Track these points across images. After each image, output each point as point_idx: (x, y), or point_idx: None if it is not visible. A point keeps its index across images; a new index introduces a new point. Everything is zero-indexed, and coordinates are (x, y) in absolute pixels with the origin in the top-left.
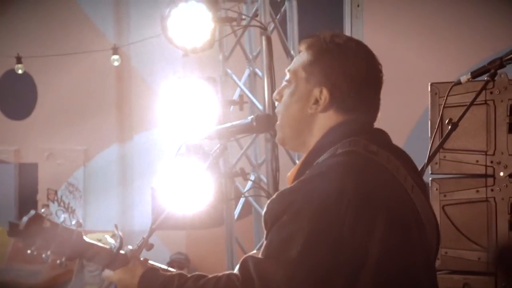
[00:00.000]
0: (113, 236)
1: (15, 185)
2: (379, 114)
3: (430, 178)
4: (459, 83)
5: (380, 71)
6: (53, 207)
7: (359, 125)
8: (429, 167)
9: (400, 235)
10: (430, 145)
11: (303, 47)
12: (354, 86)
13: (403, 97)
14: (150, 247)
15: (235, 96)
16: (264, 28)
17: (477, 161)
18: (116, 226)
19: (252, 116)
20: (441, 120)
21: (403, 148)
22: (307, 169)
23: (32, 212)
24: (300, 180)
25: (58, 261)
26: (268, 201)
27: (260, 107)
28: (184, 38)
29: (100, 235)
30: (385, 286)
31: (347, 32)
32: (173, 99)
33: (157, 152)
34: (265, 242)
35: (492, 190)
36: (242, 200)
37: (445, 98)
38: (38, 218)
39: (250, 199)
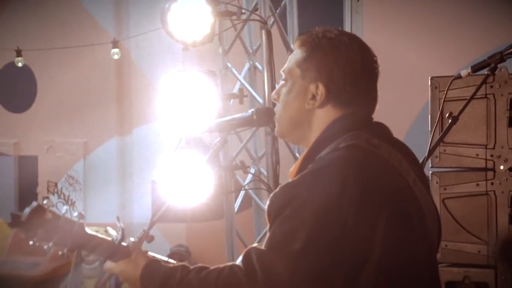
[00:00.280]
0: (115, 228)
1: (15, 177)
2: (379, 108)
3: (430, 172)
4: (459, 77)
5: (375, 63)
6: (53, 199)
7: (359, 119)
8: (429, 160)
9: (403, 228)
10: (430, 138)
11: (296, 45)
12: (350, 79)
13: (403, 91)
14: (151, 239)
15: (235, 90)
16: (264, 22)
17: (477, 154)
18: (118, 218)
19: (253, 109)
20: (441, 114)
21: (404, 143)
22: (309, 164)
23: (34, 203)
24: (303, 174)
25: (60, 252)
26: (271, 195)
27: (260, 100)
28: (184, 32)
29: (102, 229)
30: (387, 280)
31: (347, 26)
32: (173, 93)
33: (157, 145)
34: (268, 235)
35: (492, 183)
36: (242, 193)
37: (445, 92)
38: (40, 209)
39: (250, 192)
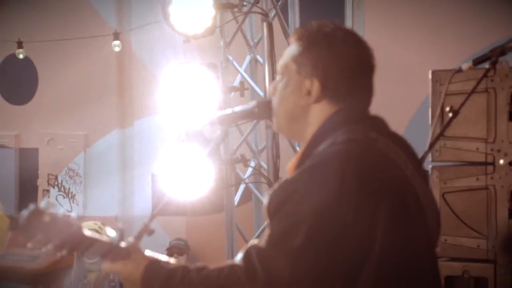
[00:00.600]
0: (114, 222)
1: (16, 170)
2: (379, 102)
3: (431, 166)
4: (460, 70)
5: (372, 57)
6: (54, 192)
7: (355, 113)
8: (430, 154)
9: (403, 223)
10: (430, 132)
11: (293, 39)
12: (345, 74)
13: (403, 85)
14: (151, 232)
15: (236, 83)
16: (265, 15)
17: (478, 148)
18: (116, 218)
19: (254, 102)
20: (442, 107)
21: (402, 136)
22: (307, 159)
23: (32, 206)
24: (301, 170)
25: (58, 254)
26: (270, 191)
27: (261, 93)
28: (185, 24)
29: (99, 223)
30: (388, 275)
31: (348, 20)
32: (174, 85)
33: (158, 138)
34: (267, 232)
35: (492, 177)
36: (242, 186)
37: (446, 85)
38: (37, 212)
39: (251, 185)
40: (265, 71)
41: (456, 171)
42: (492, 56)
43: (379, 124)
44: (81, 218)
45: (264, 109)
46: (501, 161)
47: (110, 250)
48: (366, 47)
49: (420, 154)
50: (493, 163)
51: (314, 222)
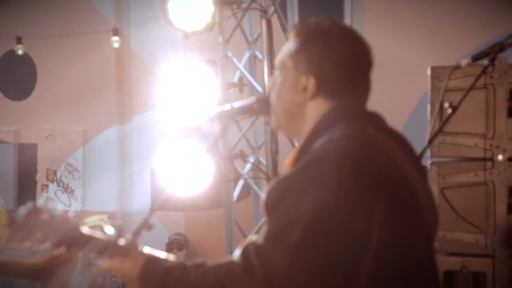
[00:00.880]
0: (111, 225)
1: (15, 165)
2: (378, 98)
3: (430, 161)
4: (459, 67)
5: (369, 53)
6: (52, 187)
7: (352, 109)
8: (429, 150)
9: (400, 218)
10: (429, 128)
11: (291, 35)
12: (341, 70)
13: (402, 81)
14: (150, 227)
15: (235, 79)
16: (264, 11)
17: (476, 144)
18: (114, 216)
19: (253, 97)
20: (441, 103)
21: (401, 132)
22: (304, 155)
23: (29, 204)
24: (298, 166)
25: (56, 251)
26: (268, 188)
27: (260, 89)
28: (184, 20)
29: (103, 216)
30: (386, 270)
31: (348, 16)
32: (173, 81)
33: (157, 134)
34: (265, 228)
35: (491, 173)
36: (241, 182)
37: (446, 81)
38: (35, 210)
39: (249, 181)
40: (264, 67)
41: (455, 167)
42: (491, 53)
43: (376, 120)
44: (80, 213)
45: (263, 105)
46: (500, 157)
47: (108, 247)
48: (363, 44)
49: (419, 150)
50: (492, 159)
51: (311, 218)
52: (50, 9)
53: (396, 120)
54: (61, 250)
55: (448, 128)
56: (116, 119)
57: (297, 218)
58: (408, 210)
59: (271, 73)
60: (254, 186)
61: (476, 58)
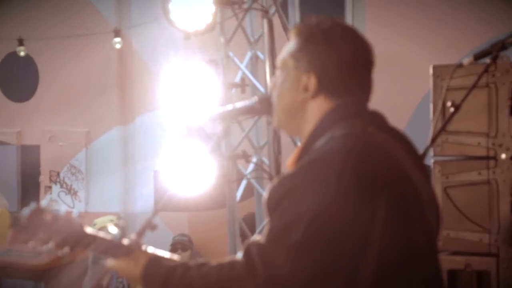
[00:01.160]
0: (116, 224)
1: (18, 167)
2: (381, 97)
3: (432, 160)
4: (461, 65)
5: (370, 52)
6: (56, 188)
7: (354, 108)
8: (431, 149)
9: (403, 218)
10: (432, 127)
11: (292, 35)
12: (342, 70)
13: (404, 80)
14: (154, 227)
15: (237, 79)
16: (265, 11)
17: (479, 143)
18: (118, 216)
19: (255, 98)
20: (443, 102)
21: (404, 131)
22: (306, 155)
23: (33, 205)
24: (300, 166)
25: (59, 252)
26: (269, 187)
27: (262, 89)
28: (186, 21)
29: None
30: (388, 270)
31: (349, 15)
32: (175, 82)
33: (159, 135)
34: (267, 227)
35: (494, 172)
36: (244, 182)
37: (448, 80)
38: (39, 211)
39: (252, 181)
40: (266, 67)
41: (458, 166)
42: (493, 51)
43: (377, 119)
44: (84, 215)
45: (265, 105)
46: (503, 156)
47: (111, 247)
48: (365, 43)
49: (421, 149)
50: (495, 158)
51: (313, 218)
52: (52, 11)
53: (398, 119)
54: (65, 250)
55: (451, 127)
56: (118, 120)
57: (299, 218)
58: (410, 210)
59: (273, 73)
60: (257, 186)
61: (478, 56)
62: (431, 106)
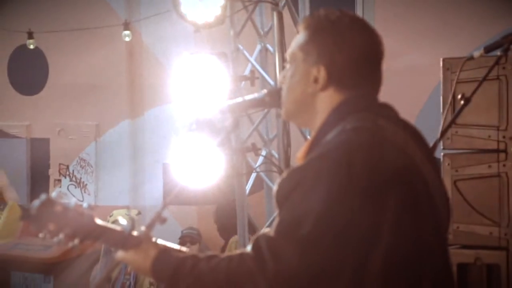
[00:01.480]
0: (125, 216)
1: (27, 160)
2: (390, 90)
3: (442, 154)
4: (471, 58)
5: (379, 44)
6: (65, 182)
7: (364, 100)
8: (441, 142)
9: (412, 211)
10: (442, 120)
11: (300, 28)
12: (351, 61)
13: (414, 72)
14: (163, 221)
15: (247, 72)
16: (275, 4)
17: (489, 136)
18: (128, 208)
19: (264, 90)
20: (453, 95)
21: (414, 124)
22: (316, 148)
23: (43, 196)
24: (310, 158)
25: (70, 244)
26: (279, 180)
27: (271, 82)
28: (195, 13)
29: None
30: (397, 263)
31: (359, 7)
32: (184, 75)
33: (168, 128)
34: (276, 220)
35: (504, 165)
36: (253, 175)
37: (458, 73)
38: (49, 202)
39: (262, 174)
40: (276, 60)
41: (468, 159)
42: (504, 43)
43: (388, 112)
44: (94, 208)
45: (274, 98)
46: None
47: (121, 239)
48: (374, 34)
49: (431, 142)
50: (505, 151)
51: (322, 211)
52: (61, 4)
53: (408, 112)
54: (75, 242)
55: (461, 120)
56: (128, 114)
57: (308, 211)
58: (420, 204)
59: (282, 66)
60: (267, 180)
61: (488, 49)
62: (441, 99)
